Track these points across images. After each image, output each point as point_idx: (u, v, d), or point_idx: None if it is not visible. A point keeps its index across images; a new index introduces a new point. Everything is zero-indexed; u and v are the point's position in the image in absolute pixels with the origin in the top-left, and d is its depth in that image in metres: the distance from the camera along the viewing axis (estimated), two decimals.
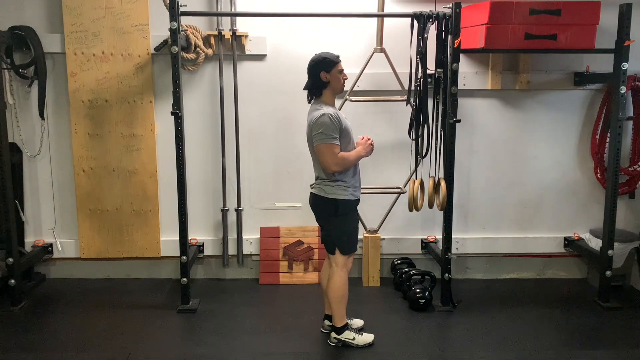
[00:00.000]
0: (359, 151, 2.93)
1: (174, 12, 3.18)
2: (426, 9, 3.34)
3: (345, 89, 3.70)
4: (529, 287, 3.99)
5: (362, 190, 3.81)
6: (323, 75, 2.87)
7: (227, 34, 3.71)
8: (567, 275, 4.16)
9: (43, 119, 3.78)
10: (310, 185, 3.02)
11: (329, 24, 3.79)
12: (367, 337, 3.08)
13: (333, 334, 3.05)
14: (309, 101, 2.97)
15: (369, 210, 3.95)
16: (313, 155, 2.94)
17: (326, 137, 2.77)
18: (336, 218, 2.92)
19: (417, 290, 3.53)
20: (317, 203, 2.96)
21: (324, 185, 2.91)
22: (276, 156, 3.94)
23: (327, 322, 3.19)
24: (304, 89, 2.96)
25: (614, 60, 3.45)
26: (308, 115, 2.93)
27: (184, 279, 3.45)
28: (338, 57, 2.92)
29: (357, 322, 3.25)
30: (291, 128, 3.89)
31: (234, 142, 3.86)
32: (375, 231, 3.95)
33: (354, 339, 3.04)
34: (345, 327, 3.04)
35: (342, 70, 2.92)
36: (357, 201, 3.00)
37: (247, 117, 3.87)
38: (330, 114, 2.79)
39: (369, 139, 2.99)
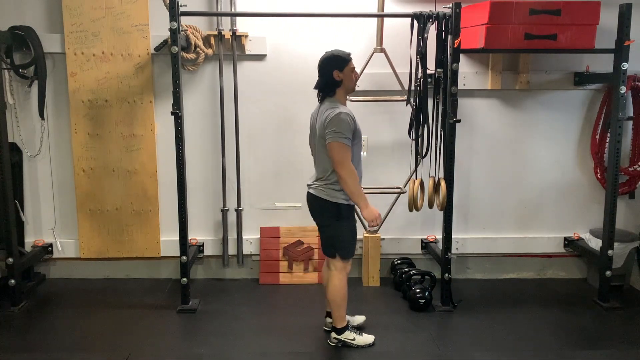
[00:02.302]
0: (365, 201, 2.83)
1: (174, 12, 3.18)
2: (426, 9, 3.34)
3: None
4: (529, 287, 3.99)
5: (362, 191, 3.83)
6: (335, 74, 2.79)
7: (227, 34, 3.71)
8: (567, 275, 4.16)
9: (43, 119, 3.78)
10: (308, 185, 2.97)
11: (329, 24, 3.79)
12: (368, 338, 3.08)
13: (333, 334, 3.05)
14: (320, 101, 2.88)
15: None
16: (319, 154, 2.86)
17: (340, 135, 2.70)
18: (337, 222, 2.88)
19: (417, 290, 3.53)
20: (317, 205, 2.91)
21: (326, 187, 2.85)
22: (276, 156, 3.94)
23: (328, 320, 3.20)
24: (315, 87, 2.87)
25: (614, 60, 3.45)
26: (320, 114, 2.82)
27: (184, 279, 3.45)
28: (350, 54, 2.85)
29: (359, 319, 3.26)
30: (291, 128, 3.89)
31: (234, 142, 3.86)
32: (375, 231, 3.95)
33: (354, 339, 3.04)
34: (346, 327, 3.04)
35: (354, 68, 2.86)
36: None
37: (247, 117, 3.87)
38: (347, 114, 2.73)
39: (380, 217, 2.89)
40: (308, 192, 2.95)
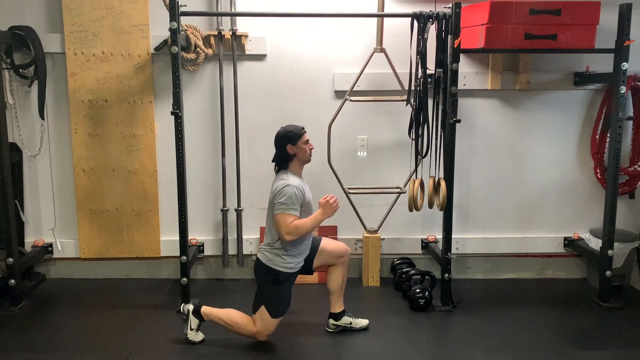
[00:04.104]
0: (316, 216, 2.92)
1: (174, 12, 3.18)
2: (426, 9, 3.34)
3: (345, 89, 3.75)
4: (529, 287, 3.99)
5: (362, 191, 3.84)
6: (289, 148, 2.93)
7: (227, 34, 3.71)
8: (567, 275, 4.16)
9: (43, 119, 3.78)
10: (259, 248, 3.06)
11: (329, 24, 3.79)
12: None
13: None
14: (277, 172, 3.02)
15: (369, 210, 3.95)
16: (268, 220, 2.99)
17: (286, 207, 2.83)
18: (274, 286, 2.96)
19: (417, 290, 3.53)
20: (259, 269, 3.00)
21: (271, 252, 2.95)
22: None
23: (331, 321, 3.21)
24: (272, 161, 3.02)
25: (614, 60, 3.45)
26: (273, 183, 2.97)
27: (184, 279, 3.45)
28: (303, 128, 2.98)
29: (362, 322, 3.26)
30: None
31: (234, 142, 3.86)
32: (375, 231, 3.95)
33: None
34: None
35: (308, 140, 2.98)
36: (299, 271, 3.04)
37: (247, 117, 3.87)
38: (296, 186, 2.86)
39: (332, 198, 2.92)
40: (257, 257, 3.05)
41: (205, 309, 3.05)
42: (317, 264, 3.12)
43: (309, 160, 3.04)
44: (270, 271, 2.94)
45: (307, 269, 3.10)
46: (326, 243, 3.14)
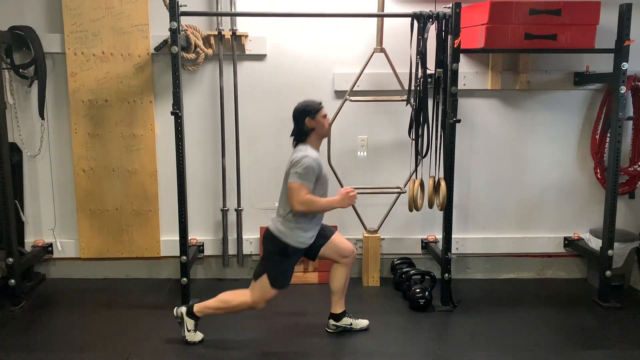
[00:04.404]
0: (332, 200, 2.91)
1: (174, 12, 3.18)
2: (426, 9, 3.34)
3: (345, 89, 3.75)
4: (529, 287, 3.99)
5: (362, 191, 3.84)
6: (308, 122, 2.92)
7: (227, 34, 3.71)
8: (567, 275, 4.16)
9: (43, 119, 3.78)
10: (272, 219, 3.04)
11: (329, 24, 3.79)
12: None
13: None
14: (295, 146, 3.00)
15: (369, 210, 3.95)
16: (283, 191, 2.98)
17: (300, 176, 2.82)
18: (280, 257, 2.95)
19: (417, 290, 3.53)
20: (268, 239, 2.98)
21: (283, 224, 2.93)
22: (276, 156, 3.93)
23: (331, 322, 3.21)
24: (291, 135, 3.01)
25: (614, 60, 3.45)
26: (291, 155, 2.95)
27: (184, 279, 3.45)
28: (320, 103, 2.98)
29: (362, 322, 3.26)
30: (291, 128, 3.86)
31: (234, 142, 3.86)
32: (375, 231, 3.95)
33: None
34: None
35: (326, 115, 2.98)
36: (306, 250, 3.01)
37: (247, 117, 3.87)
38: (314, 159, 2.86)
39: (353, 191, 2.93)
40: (267, 227, 3.02)
41: (197, 307, 3.05)
42: (322, 253, 3.08)
43: (327, 134, 3.04)
44: (278, 242, 2.92)
45: (313, 253, 3.07)
46: (337, 237, 3.13)
